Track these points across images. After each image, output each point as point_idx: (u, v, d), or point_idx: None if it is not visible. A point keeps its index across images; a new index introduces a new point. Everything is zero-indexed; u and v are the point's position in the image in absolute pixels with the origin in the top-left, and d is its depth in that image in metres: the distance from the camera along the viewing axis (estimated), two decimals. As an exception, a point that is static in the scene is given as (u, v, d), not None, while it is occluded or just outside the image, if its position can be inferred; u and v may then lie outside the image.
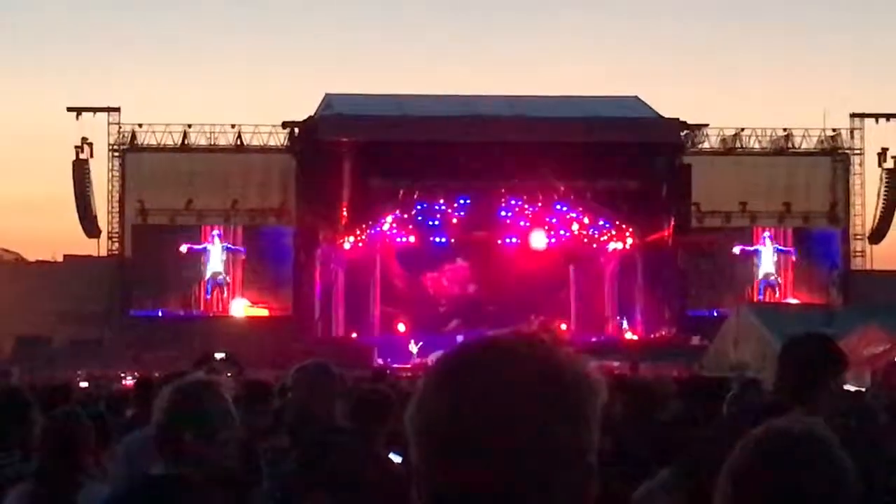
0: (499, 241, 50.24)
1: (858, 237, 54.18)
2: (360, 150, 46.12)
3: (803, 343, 5.42)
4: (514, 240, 50.26)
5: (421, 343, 42.96)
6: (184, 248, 50.43)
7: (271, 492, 6.58)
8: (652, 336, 47.83)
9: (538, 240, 49.84)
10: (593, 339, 46.88)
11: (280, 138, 51.53)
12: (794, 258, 52.54)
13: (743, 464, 2.38)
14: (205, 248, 50.98)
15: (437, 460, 1.68)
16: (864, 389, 17.41)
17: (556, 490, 1.66)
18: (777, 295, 51.53)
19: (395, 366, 38.34)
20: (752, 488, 2.33)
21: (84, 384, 23.86)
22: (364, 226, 48.98)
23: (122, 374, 32.64)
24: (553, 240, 50.14)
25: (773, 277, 52.30)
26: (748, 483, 2.34)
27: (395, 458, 6.32)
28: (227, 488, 4.29)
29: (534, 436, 1.65)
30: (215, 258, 51.08)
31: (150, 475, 4.43)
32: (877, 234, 53.91)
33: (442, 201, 48.84)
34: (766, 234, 52.52)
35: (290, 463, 6.28)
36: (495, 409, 1.64)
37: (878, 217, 53.69)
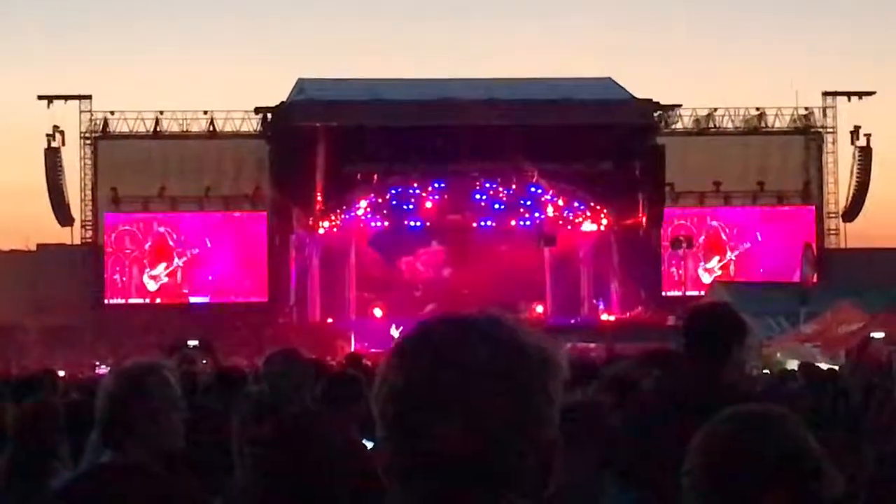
0: (474, 225, 50.27)
1: (832, 215, 54.35)
2: (334, 135, 46.01)
3: (706, 313, 5.34)
4: (488, 223, 50.28)
5: (402, 328, 42.91)
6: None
7: (246, 478, 6.56)
8: (628, 317, 47.93)
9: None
10: (569, 321, 46.94)
11: (253, 124, 51.41)
12: (768, 237, 52.76)
13: (708, 447, 2.37)
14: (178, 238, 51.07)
15: (399, 436, 1.68)
16: (836, 367, 17.46)
17: (516, 464, 1.64)
18: (751, 274, 51.66)
19: (373, 350, 38.28)
20: (718, 471, 2.33)
21: (60, 373, 23.72)
22: (339, 211, 48.96)
23: (97, 363, 32.56)
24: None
25: (745, 256, 52.58)
26: (715, 465, 2.34)
27: (368, 445, 6.28)
28: (177, 473, 4.23)
29: (492, 411, 1.64)
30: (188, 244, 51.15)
31: (96, 464, 4.39)
32: (851, 212, 54.09)
33: (416, 185, 48.85)
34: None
35: (264, 448, 6.25)
36: (453, 384, 1.64)
37: (851, 195, 53.87)
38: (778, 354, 30.88)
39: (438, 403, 1.65)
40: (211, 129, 51.86)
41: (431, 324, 1.73)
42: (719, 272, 51.89)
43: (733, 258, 52.84)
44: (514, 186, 49.22)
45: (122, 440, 4.12)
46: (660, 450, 4.16)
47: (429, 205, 49.25)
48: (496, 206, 49.88)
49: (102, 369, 22.11)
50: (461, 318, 1.72)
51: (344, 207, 48.93)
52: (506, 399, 1.65)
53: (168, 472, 4.16)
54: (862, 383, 11.35)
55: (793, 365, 20.71)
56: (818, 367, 17.02)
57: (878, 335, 23.35)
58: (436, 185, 48.86)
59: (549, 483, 1.69)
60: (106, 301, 50.08)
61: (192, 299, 50.56)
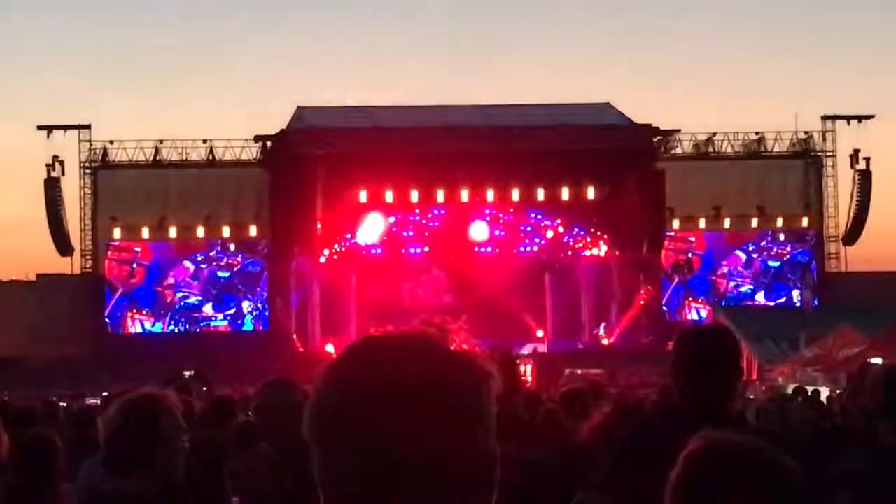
0: (475, 250, 50.22)
1: (832, 239, 54.33)
2: (334, 163, 46.06)
3: (696, 336, 4.83)
4: (489, 249, 50.24)
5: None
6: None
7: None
8: (628, 342, 47.81)
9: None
10: (570, 347, 46.93)
11: (252, 152, 51.51)
12: (768, 261, 52.76)
13: (686, 481, 2.34)
14: (178, 267, 51.17)
15: (329, 460, 1.66)
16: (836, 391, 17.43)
17: (453, 482, 1.63)
18: (752, 298, 51.68)
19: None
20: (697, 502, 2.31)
21: (63, 404, 23.72)
22: (339, 238, 48.94)
23: (101, 393, 32.44)
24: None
25: (745, 281, 52.56)
26: (693, 498, 2.32)
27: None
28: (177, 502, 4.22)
29: (418, 432, 1.62)
30: (187, 275, 51.23)
31: (99, 493, 4.38)
32: (851, 236, 54.06)
33: (417, 211, 48.86)
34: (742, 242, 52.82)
35: (259, 482, 6.23)
36: (381, 409, 1.62)
37: (851, 219, 53.85)
38: (779, 379, 30.88)
39: (368, 426, 1.63)
40: (210, 157, 51.94)
41: (358, 348, 1.71)
42: (720, 296, 51.82)
43: (734, 282, 52.78)
44: (513, 212, 49.22)
45: (126, 470, 4.12)
46: None
47: (428, 232, 49.24)
48: (496, 231, 49.87)
49: (92, 400, 22.05)
50: (383, 339, 1.70)
51: (345, 235, 48.93)
52: (435, 419, 1.64)
53: (167, 501, 4.16)
54: (861, 408, 11.24)
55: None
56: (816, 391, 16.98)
57: (877, 360, 23.29)
58: (435, 211, 48.86)
59: (492, 497, 1.68)
60: (106, 331, 50.04)
61: (192, 328, 50.61)
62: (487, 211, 49.27)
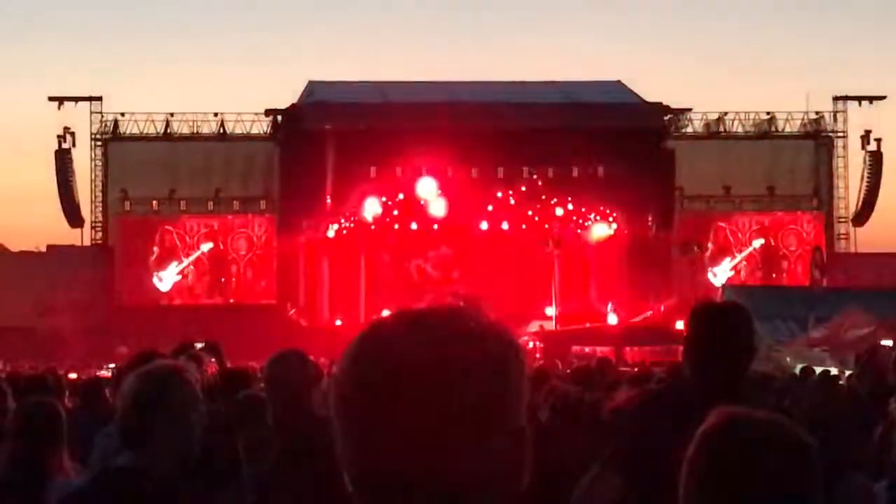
0: (483, 227, 50.16)
1: (842, 220, 54.25)
2: (344, 138, 46.04)
3: (710, 313, 4.68)
4: (497, 225, 50.15)
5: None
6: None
7: (250, 482, 6.53)
8: (637, 321, 47.75)
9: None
10: (578, 325, 46.84)
11: (263, 126, 51.50)
12: (778, 241, 52.72)
13: (704, 457, 2.34)
14: (187, 240, 51.29)
15: (354, 441, 1.61)
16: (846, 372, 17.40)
17: (479, 464, 1.59)
18: (760, 278, 51.60)
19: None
20: (716, 479, 2.31)
21: (73, 375, 23.80)
22: (348, 213, 48.93)
23: (105, 365, 32.55)
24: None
25: (754, 260, 52.52)
26: (712, 474, 2.32)
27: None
28: (194, 477, 4.20)
29: (454, 409, 1.58)
30: (197, 248, 51.34)
31: (114, 466, 4.35)
32: (860, 217, 53.99)
33: (426, 188, 48.79)
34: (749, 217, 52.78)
35: (270, 455, 6.21)
36: (406, 383, 1.57)
37: (861, 199, 53.77)
38: (787, 359, 30.82)
39: (391, 403, 1.57)
40: (221, 131, 51.93)
41: (384, 322, 1.65)
42: (729, 275, 51.77)
43: (743, 262, 52.73)
44: (523, 189, 49.13)
45: (143, 443, 4.09)
46: None
47: (438, 207, 49.17)
48: (505, 208, 49.78)
49: (104, 371, 22.05)
50: (416, 314, 1.64)
51: (354, 210, 48.91)
52: (470, 395, 1.59)
53: (183, 476, 4.13)
54: (871, 390, 11.23)
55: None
56: (826, 371, 16.97)
57: (887, 342, 23.24)
58: (445, 187, 48.79)
59: (523, 478, 1.63)
60: (115, 302, 50.10)
61: (202, 300, 50.62)
62: (496, 187, 49.14)
